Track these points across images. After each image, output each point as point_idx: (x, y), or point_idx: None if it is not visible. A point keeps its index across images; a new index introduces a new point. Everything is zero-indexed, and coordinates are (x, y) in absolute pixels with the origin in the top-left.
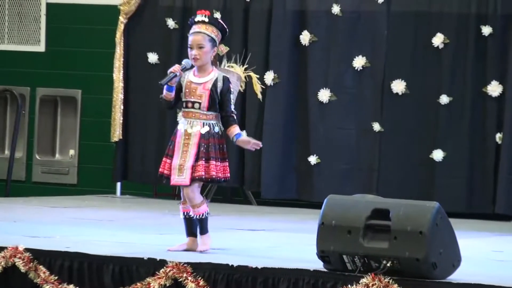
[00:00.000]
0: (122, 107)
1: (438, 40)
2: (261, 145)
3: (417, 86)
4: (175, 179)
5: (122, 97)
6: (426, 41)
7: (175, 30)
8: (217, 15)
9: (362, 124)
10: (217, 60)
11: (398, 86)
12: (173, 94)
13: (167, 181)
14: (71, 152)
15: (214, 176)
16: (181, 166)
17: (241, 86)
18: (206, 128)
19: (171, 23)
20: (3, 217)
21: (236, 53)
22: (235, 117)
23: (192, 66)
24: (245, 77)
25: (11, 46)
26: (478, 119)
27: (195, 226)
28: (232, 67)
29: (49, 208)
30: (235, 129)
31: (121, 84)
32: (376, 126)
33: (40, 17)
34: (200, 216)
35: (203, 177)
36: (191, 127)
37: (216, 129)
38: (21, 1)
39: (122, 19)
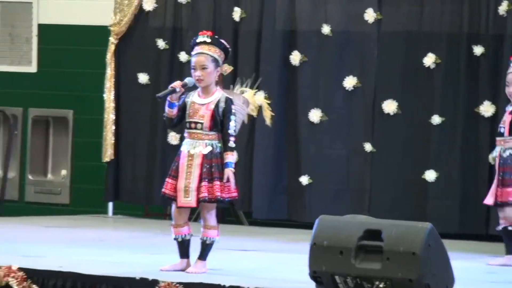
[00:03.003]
0: (113, 127)
1: (429, 60)
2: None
3: (408, 106)
4: (182, 201)
5: (114, 117)
6: (417, 61)
7: (165, 50)
8: None
9: (354, 144)
10: (222, 80)
11: (390, 106)
12: (174, 111)
13: (169, 202)
14: (63, 172)
15: (218, 197)
16: (186, 188)
17: (252, 110)
18: (209, 148)
19: (161, 43)
20: None
21: (247, 77)
22: (232, 141)
23: (194, 85)
24: (263, 102)
25: (3, 67)
26: (471, 140)
27: (188, 248)
28: (243, 92)
29: (42, 228)
30: (227, 156)
31: (112, 105)
32: (368, 146)
33: (31, 38)
34: (207, 238)
35: (207, 198)
36: (194, 148)
37: (219, 149)
38: (12, 22)
39: (112, 40)
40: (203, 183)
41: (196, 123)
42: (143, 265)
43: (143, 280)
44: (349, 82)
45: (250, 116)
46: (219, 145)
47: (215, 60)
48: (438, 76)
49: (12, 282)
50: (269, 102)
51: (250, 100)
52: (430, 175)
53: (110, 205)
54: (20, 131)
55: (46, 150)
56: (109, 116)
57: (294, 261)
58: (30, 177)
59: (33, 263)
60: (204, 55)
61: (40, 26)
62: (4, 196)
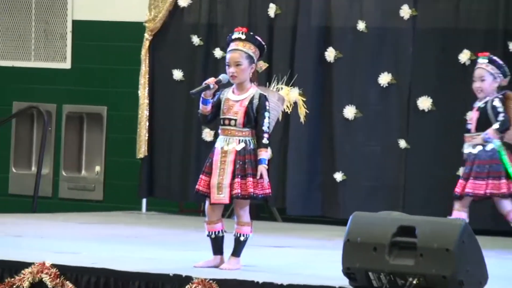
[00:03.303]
0: (147, 123)
1: (464, 56)
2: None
3: (443, 102)
4: (215, 198)
5: (148, 113)
6: (453, 57)
7: (200, 46)
8: None
9: (388, 141)
10: (257, 77)
11: (424, 103)
12: (208, 107)
13: (203, 198)
14: (97, 168)
15: (251, 193)
16: (219, 184)
17: (287, 107)
18: (242, 145)
19: (196, 40)
20: (30, 233)
21: (282, 74)
22: (265, 138)
23: (229, 82)
24: (298, 99)
25: (38, 63)
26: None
27: (221, 244)
28: (279, 89)
29: (76, 224)
30: (261, 153)
31: (147, 101)
32: (402, 143)
33: (66, 34)
34: (241, 235)
35: (239, 194)
36: (227, 145)
37: (252, 145)
38: (47, 18)
39: (147, 36)
40: (236, 180)
41: (230, 119)
42: (177, 261)
43: (177, 277)
44: (384, 78)
45: (283, 113)
46: (253, 141)
47: (250, 57)
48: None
49: (46, 278)
50: (304, 99)
51: (286, 97)
52: None
53: (144, 201)
54: (54, 127)
55: (80, 147)
56: (143, 112)
57: (328, 258)
58: (64, 173)
59: (67, 259)
60: (238, 51)
61: (75, 22)
62: (37, 192)
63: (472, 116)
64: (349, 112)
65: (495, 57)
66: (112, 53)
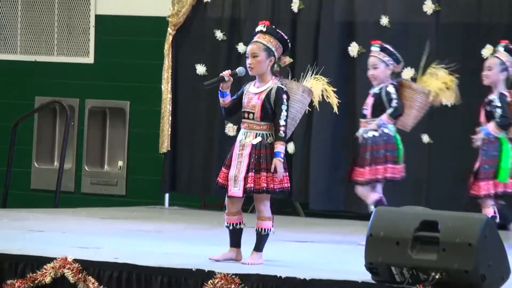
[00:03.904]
0: (170, 118)
1: (487, 51)
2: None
3: (466, 97)
4: (231, 191)
5: (171, 108)
6: (476, 52)
7: (223, 41)
8: None
9: (411, 136)
10: (280, 72)
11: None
12: (227, 100)
13: (223, 191)
14: (120, 163)
15: (264, 188)
16: (236, 177)
17: (326, 97)
18: (259, 139)
19: (219, 34)
20: (52, 228)
21: (305, 68)
22: (282, 131)
23: (250, 75)
24: (325, 90)
25: (61, 58)
26: None
27: (239, 237)
28: (315, 79)
29: (98, 219)
30: (277, 146)
31: (170, 96)
32: (425, 138)
33: (89, 29)
34: (262, 230)
35: (252, 188)
36: (245, 138)
37: (270, 139)
38: (70, 13)
39: (170, 31)
40: (250, 174)
41: (249, 113)
42: (199, 256)
43: (199, 272)
44: (407, 73)
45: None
46: (271, 135)
47: (268, 49)
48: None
49: (68, 273)
50: (334, 89)
51: (312, 88)
52: None
53: (167, 196)
54: (76, 122)
55: (102, 141)
56: (166, 107)
57: (351, 252)
58: (86, 168)
59: (89, 254)
60: (257, 43)
61: (98, 17)
62: (60, 187)
63: (367, 102)
64: None
65: (386, 45)
66: (135, 48)
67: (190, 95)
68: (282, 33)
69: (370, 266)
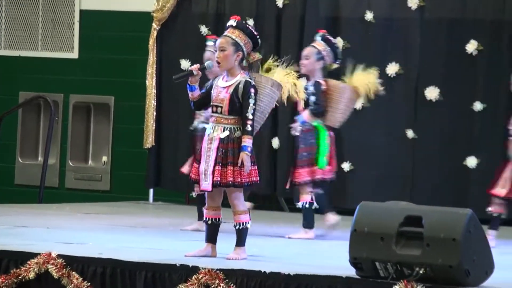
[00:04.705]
0: (155, 113)
1: (471, 47)
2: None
3: (450, 92)
4: (202, 185)
5: (155, 103)
6: (460, 48)
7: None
8: (250, 21)
9: (396, 131)
10: (248, 67)
11: (432, 93)
12: (195, 94)
13: (196, 186)
14: (104, 158)
15: (231, 181)
16: (205, 171)
17: (295, 92)
18: (226, 133)
19: (204, 29)
20: (36, 223)
21: (289, 64)
22: (249, 125)
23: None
24: (294, 84)
25: (45, 53)
26: None
27: (216, 233)
28: (285, 73)
29: (82, 215)
30: (244, 140)
31: (154, 91)
32: (410, 133)
33: (73, 24)
34: (240, 224)
35: (219, 182)
36: (213, 132)
37: (238, 133)
38: (54, 8)
39: (155, 26)
40: (217, 168)
41: (217, 106)
42: (184, 252)
43: (184, 267)
44: (392, 68)
45: (291, 99)
46: (238, 129)
47: (236, 44)
48: (480, 63)
49: (52, 269)
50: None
51: (282, 82)
52: (472, 162)
53: (151, 191)
54: (60, 117)
55: (87, 137)
56: (151, 102)
57: (335, 247)
58: (70, 163)
59: (73, 250)
60: (225, 37)
61: (82, 12)
62: (44, 183)
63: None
64: (357, 102)
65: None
66: (119, 43)
67: (174, 90)
68: (253, 29)
69: (354, 261)
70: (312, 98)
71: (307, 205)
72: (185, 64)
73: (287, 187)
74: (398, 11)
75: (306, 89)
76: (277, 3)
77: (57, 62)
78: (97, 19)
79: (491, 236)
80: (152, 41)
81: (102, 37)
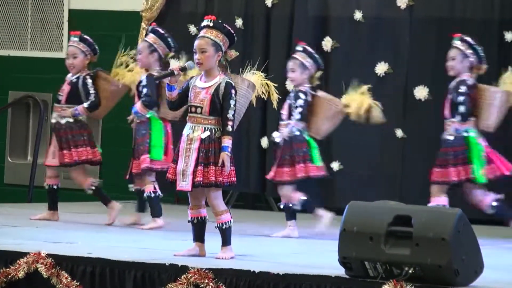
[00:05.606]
0: None
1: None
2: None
3: (440, 92)
4: (180, 185)
5: None
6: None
7: (197, 36)
8: (239, 21)
9: (385, 131)
10: (227, 65)
11: (421, 92)
12: (174, 94)
13: (173, 186)
14: None
15: (213, 181)
16: (184, 171)
17: (262, 93)
18: (207, 133)
19: (193, 29)
20: (25, 222)
21: (256, 60)
22: (229, 126)
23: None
24: (266, 84)
25: (34, 53)
26: (501, 125)
27: (203, 232)
28: (254, 74)
29: (71, 214)
30: (224, 141)
31: None
32: (399, 133)
33: (62, 24)
34: (222, 224)
35: (201, 182)
36: (193, 132)
37: (218, 133)
38: (43, 8)
39: (144, 25)
40: (199, 168)
41: (196, 107)
42: (173, 251)
43: (173, 266)
44: (381, 68)
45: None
46: (219, 130)
47: (216, 44)
48: None
49: (41, 268)
50: (276, 85)
51: (257, 84)
52: None
53: None
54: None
55: None
56: None
57: (324, 247)
58: None
59: (62, 249)
60: (204, 38)
61: (71, 12)
62: (33, 182)
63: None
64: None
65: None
66: (109, 42)
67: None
68: (229, 27)
69: (343, 261)
70: (144, 90)
71: (152, 195)
72: (174, 63)
73: (127, 178)
74: (387, 11)
75: (140, 82)
76: (266, 2)
77: (46, 61)
78: (86, 19)
79: None
80: (141, 41)
81: (91, 37)
